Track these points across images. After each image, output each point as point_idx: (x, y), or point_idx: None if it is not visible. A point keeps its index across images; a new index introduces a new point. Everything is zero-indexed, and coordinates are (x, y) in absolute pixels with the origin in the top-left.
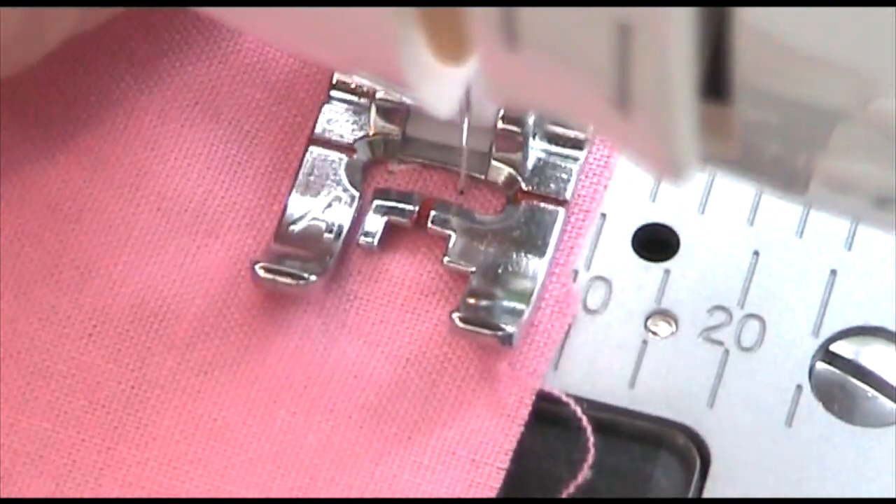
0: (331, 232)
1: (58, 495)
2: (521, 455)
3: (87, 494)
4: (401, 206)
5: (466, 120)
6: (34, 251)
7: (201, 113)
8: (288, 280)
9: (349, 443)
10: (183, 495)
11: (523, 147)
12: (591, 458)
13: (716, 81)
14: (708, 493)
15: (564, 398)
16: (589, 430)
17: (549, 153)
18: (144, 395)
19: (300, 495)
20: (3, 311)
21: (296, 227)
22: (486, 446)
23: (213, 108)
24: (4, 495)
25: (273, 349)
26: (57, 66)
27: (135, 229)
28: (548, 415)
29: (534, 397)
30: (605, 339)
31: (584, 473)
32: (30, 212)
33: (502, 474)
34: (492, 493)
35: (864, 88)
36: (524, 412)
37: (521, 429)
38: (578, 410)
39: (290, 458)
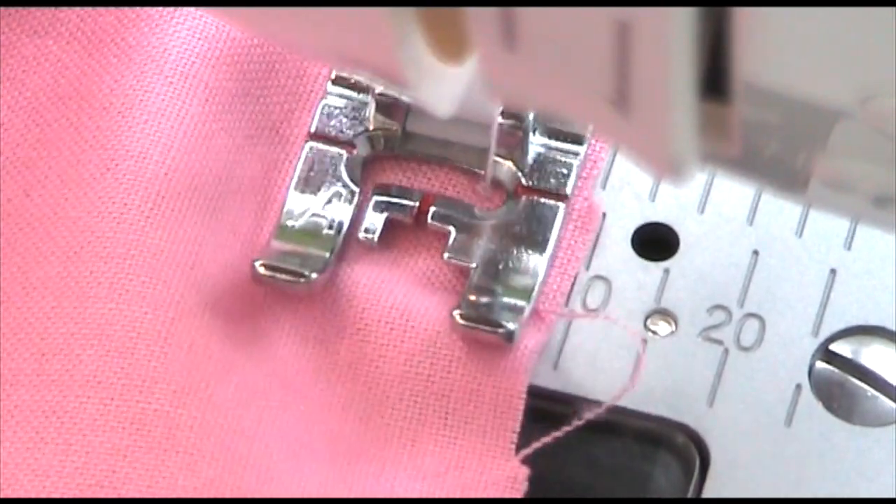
0: (331, 228)
1: (127, 369)
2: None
3: (153, 364)
4: (401, 201)
5: (496, 123)
6: (91, 148)
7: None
8: (288, 277)
9: (371, 389)
10: (245, 359)
11: (523, 142)
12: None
13: (715, 80)
14: (707, 493)
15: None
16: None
17: (549, 148)
18: (205, 271)
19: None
20: (61, 204)
21: (296, 224)
22: (498, 415)
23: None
24: (77, 378)
25: (290, 313)
26: None
27: (185, 118)
28: (548, 414)
29: (556, 319)
30: (604, 338)
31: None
32: (86, 110)
33: (514, 436)
34: (518, 416)
35: (864, 88)
36: (551, 324)
37: (537, 354)
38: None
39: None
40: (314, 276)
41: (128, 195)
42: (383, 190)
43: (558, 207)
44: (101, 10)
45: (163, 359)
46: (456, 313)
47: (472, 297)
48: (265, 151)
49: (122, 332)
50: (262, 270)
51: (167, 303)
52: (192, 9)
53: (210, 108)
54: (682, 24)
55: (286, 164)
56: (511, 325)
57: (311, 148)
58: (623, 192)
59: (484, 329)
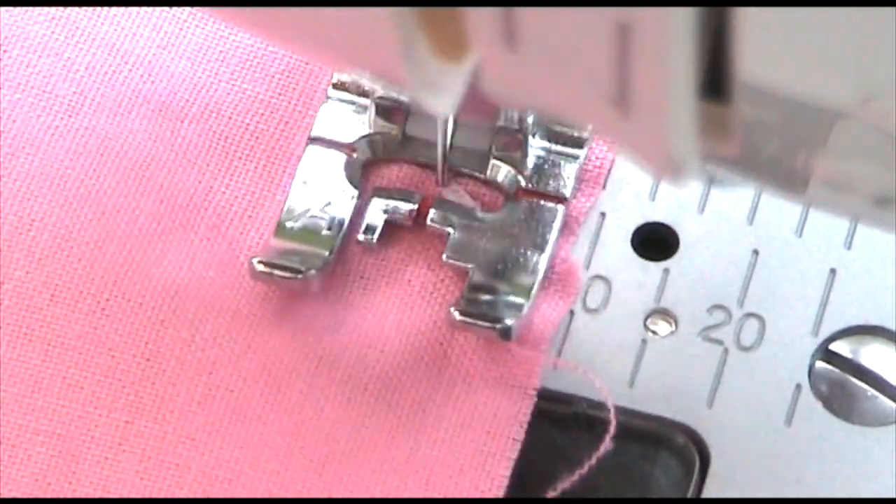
0: (330, 228)
1: (77, 472)
2: (522, 454)
3: (105, 469)
4: (400, 204)
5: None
6: (44, 227)
7: (200, 109)
8: (286, 274)
9: (365, 415)
10: (202, 467)
11: (523, 145)
12: (598, 453)
13: (715, 80)
14: (707, 492)
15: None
16: (610, 430)
17: (549, 151)
18: (160, 368)
19: (318, 467)
20: (15, 287)
21: (295, 224)
22: (499, 419)
23: (211, 104)
24: (24, 472)
25: (280, 334)
26: (63, 37)
27: (140, 217)
28: (549, 414)
29: (540, 368)
30: (604, 338)
31: (586, 468)
32: (38, 189)
33: (518, 445)
34: (508, 464)
35: (864, 88)
36: (534, 381)
37: (533, 401)
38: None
39: (309, 429)
40: (312, 273)
41: (83, 282)
42: (383, 192)
43: (558, 210)
44: (59, 73)
45: (115, 464)
46: (453, 309)
47: (471, 295)
48: (237, 235)
49: (75, 432)
50: (259, 267)
51: (122, 402)
52: (149, 106)
53: (165, 206)
54: (682, 24)
55: (287, 167)
56: (508, 321)
57: (311, 152)
58: (623, 191)
59: (481, 325)
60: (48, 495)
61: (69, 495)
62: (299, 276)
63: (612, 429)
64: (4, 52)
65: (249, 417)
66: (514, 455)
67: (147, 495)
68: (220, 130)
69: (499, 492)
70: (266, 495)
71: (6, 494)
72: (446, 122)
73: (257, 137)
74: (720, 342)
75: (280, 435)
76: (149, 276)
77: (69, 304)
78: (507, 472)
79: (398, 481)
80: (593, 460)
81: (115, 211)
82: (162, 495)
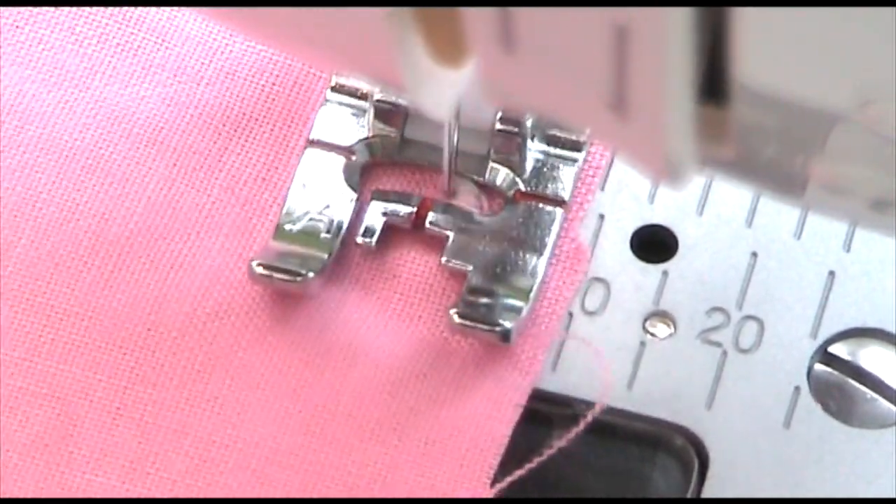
0: (329, 231)
1: (75, 436)
2: (520, 455)
3: (103, 434)
4: (399, 206)
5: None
6: (51, 198)
7: (216, 71)
8: (285, 277)
9: (366, 378)
10: (200, 432)
11: (521, 149)
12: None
13: (713, 83)
14: (706, 495)
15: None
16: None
17: (548, 155)
18: (161, 337)
19: (318, 432)
20: (20, 255)
21: (294, 227)
22: (502, 389)
23: (227, 66)
24: (21, 434)
25: (279, 336)
26: (73, 11)
27: (151, 182)
28: (548, 416)
29: (545, 355)
30: (603, 340)
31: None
32: (45, 161)
33: (519, 410)
34: (510, 424)
35: (862, 91)
36: (537, 367)
37: (532, 385)
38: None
39: (307, 392)
40: (311, 275)
41: (88, 254)
42: (382, 195)
43: (556, 213)
44: (71, 47)
45: (113, 430)
46: (452, 312)
47: (470, 298)
48: (251, 195)
49: (74, 397)
50: (259, 270)
51: (121, 369)
52: (163, 73)
53: (178, 170)
54: (680, 26)
55: (285, 172)
56: (507, 324)
57: (310, 155)
58: (622, 193)
59: (480, 328)
60: (46, 457)
61: (66, 457)
62: (298, 278)
63: (598, 408)
64: (17, 28)
65: (248, 384)
66: (516, 419)
67: (145, 458)
68: (235, 92)
69: (499, 450)
70: (264, 458)
71: (4, 455)
72: (450, 128)
73: (273, 99)
74: (719, 344)
75: (278, 399)
76: (156, 248)
77: (73, 273)
78: (509, 433)
79: (396, 440)
80: (582, 426)
81: (124, 180)
82: (160, 459)
